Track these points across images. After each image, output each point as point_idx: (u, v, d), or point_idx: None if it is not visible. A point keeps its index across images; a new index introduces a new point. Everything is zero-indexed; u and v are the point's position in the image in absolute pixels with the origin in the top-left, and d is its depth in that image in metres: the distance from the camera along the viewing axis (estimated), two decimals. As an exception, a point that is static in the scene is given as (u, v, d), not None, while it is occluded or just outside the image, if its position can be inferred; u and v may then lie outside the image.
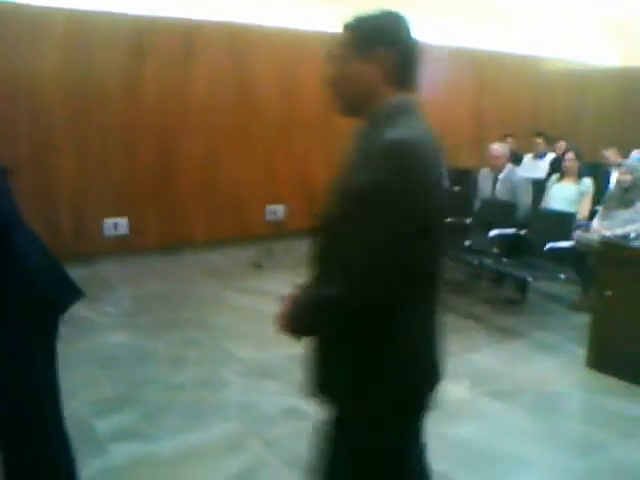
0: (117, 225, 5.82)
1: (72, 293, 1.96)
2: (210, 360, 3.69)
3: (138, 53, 5.69)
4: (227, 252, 6.15)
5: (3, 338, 1.83)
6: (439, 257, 1.38)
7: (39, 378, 1.92)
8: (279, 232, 6.54)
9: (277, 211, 6.82)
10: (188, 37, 5.96)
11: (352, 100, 1.33)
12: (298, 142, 6.78)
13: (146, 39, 5.71)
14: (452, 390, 2.93)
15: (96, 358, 3.65)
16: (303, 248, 4.06)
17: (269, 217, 6.72)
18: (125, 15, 5.55)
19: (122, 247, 5.79)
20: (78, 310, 3.74)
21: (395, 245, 1.21)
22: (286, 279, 4.52)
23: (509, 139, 7.26)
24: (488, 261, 4.67)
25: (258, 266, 5.69)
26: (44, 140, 5.34)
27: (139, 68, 5.72)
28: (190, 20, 5.95)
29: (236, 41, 6.24)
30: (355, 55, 1.30)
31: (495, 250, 4.69)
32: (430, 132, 1.31)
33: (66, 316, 1.95)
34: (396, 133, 1.22)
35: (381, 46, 1.28)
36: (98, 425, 2.87)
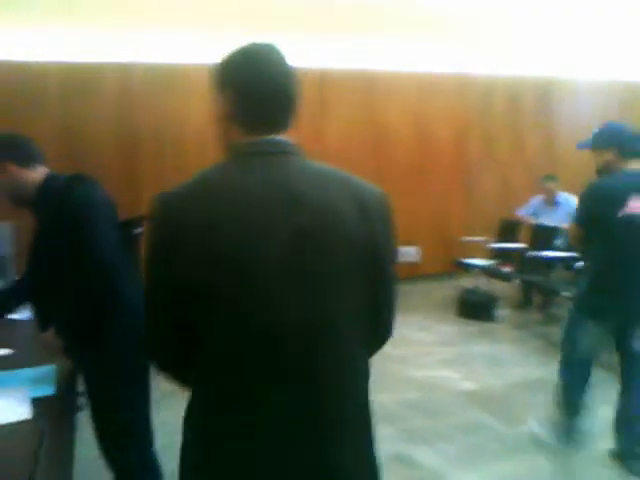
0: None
1: None
2: None
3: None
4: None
5: (119, 387, 2.03)
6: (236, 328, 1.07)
7: (144, 423, 2.16)
8: (412, 274, 6.57)
9: (410, 253, 6.82)
10: (322, 85, 6.30)
11: (221, 142, 1.21)
12: (432, 184, 6.86)
13: None
14: None
15: None
16: (436, 290, 5.25)
17: (402, 259, 6.59)
18: None
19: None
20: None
21: (150, 310, 1.14)
22: (413, 322, 5.06)
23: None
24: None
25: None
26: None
27: None
28: (323, 69, 6.30)
29: (368, 87, 6.52)
30: (217, 95, 1.19)
31: None
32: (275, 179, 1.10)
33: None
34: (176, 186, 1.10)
35: (226, 85, 1.16)
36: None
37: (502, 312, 5.48)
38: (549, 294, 5.47)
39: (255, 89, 1.15)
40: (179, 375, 1.18)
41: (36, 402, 1.82)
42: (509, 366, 4.35)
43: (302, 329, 1.09)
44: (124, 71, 5.64)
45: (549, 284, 5.13)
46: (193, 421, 1.15)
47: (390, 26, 5.55)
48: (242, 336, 1.07)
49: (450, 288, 6.06)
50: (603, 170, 2.88)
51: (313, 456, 1.10)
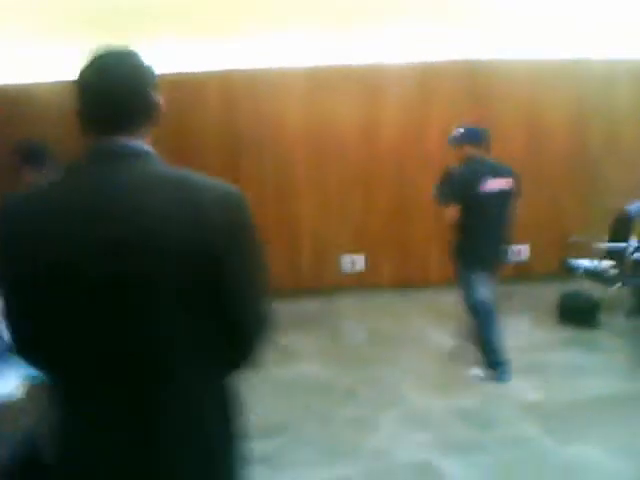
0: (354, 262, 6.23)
1: None
2: (378, 400, 3.71)
3: (374, 100, 6.08)
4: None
5: None
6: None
7: None
8: (520, 274, 6.21)
9: (519, 251, 6.36)
10: (423, 79, 6.13)
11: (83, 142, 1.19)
12: (545, 178, 6.34)
13: (382, 85, 6.09)
14: None
15: (279, 385, 3.95)
16: (543, 292, 4.88)
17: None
18: (357, 66, 6.02)
19: (359, 283, 6.16)
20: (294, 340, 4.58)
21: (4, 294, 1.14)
22: (507, 325, 4.49)
23: None
24: None
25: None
26: (287, 184, 6.10)
27: (376, 114, 6.07)
28: (424, 62, 6.10)
29: (473, 78, 6.20)
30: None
31: None
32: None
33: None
34: None
35: (75, 84, 1.16)
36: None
37: (607, 318, 4.95)
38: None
39: (92, 91, 1.15)
40: (30, 359, 1.23)
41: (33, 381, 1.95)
42: (589, 378, 3.97)
43: (118, 363, 1.09)
44: (226, 79, 5.97)
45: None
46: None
47: (492, 13, 5.15)
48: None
49: (559, 290, 5.51)
50: (466, 160, 3.85)
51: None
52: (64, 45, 4.79)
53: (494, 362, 3.92)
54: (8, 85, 5.67)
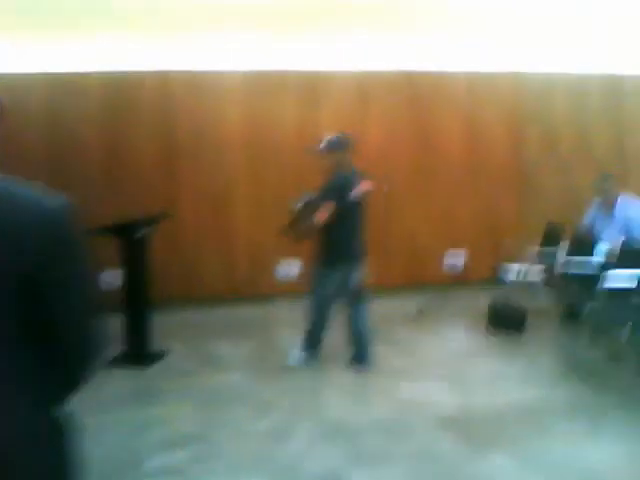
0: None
1: None
2: (295, 411, 3.66)
3: (312, 106, 6.08)
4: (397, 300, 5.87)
5: None
6: None
7: None
8: (457, 280, 6.28)
9: (457, 257, 6.50)
10: (362, 87, 6.18)
11: None
12: (482, 186, 6.47)
13: (320, 92, 6.10)
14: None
15: (199, 394, 3.91)
16: (479, 299, 4.84)
17: (448, 263, 6.46)
18: (296, 72, 6.02)
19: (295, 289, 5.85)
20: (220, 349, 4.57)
21: None
22: (438, 332, 4.91)
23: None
24: None
25: (420, 313, 5.51)
26: (223, 190, 6.03)
27: (314, 121, 6.00)
28: (363, 71, 6.16)
29: (412, 88, 6.29)
30: None
31: None
32: None
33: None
34: None
35: None
36: (148, 461, 3.05)
37: (535, 325, 5.01)
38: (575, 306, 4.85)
39: None
40: None
41: None
42: (509, 387, 3.98)
43: None
44: (163, 79, 5.86)
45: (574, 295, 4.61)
46: None
47: (434, 25, 5.30)
48: None
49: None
50: (336, 167, 4.12)
51: None
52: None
53: (310, 346, 4.33)
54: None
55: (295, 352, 4.36)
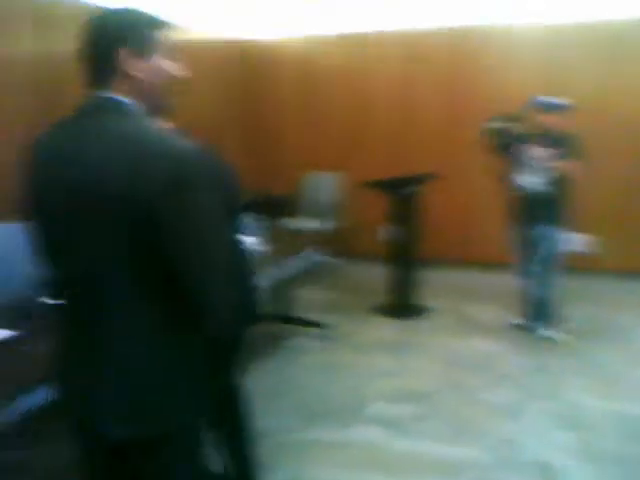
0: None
1: None
2: (533, 390, 3.44)
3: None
4: None
5: None
6: None
7: None
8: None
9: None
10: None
11: None
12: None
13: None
14: None
15: (445, 354, 3.93)
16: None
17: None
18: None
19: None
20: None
21: None
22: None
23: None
24: None
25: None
26: None
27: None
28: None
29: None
30: None
31: None
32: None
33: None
34: None
35: None
36: (370, 408, 3.26)
37: None
38: None
39: (81, 48, 1.26)
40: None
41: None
42: None
43: (76, 279, 1.26)
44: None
45: None
46: None
47: None
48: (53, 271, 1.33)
49: None
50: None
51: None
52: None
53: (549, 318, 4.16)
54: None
55: (550, 327, 4.15)
